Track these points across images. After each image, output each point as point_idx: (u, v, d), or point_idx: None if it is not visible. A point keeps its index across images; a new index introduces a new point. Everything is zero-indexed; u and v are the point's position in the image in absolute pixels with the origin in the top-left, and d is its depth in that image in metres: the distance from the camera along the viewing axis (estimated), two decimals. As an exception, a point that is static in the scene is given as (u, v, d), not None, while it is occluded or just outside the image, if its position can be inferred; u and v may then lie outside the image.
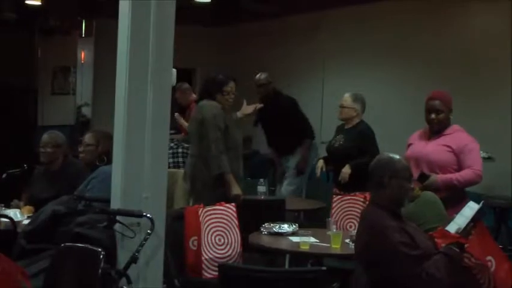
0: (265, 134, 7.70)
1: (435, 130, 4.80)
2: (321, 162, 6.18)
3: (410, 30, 8.38)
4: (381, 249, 3.30)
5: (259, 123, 7.68)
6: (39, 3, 8.38)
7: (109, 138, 4.36)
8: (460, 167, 4.64)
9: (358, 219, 4.80)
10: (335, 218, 5.09)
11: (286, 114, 7.29)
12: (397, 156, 3.59)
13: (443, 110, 4.77)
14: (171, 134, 6.68)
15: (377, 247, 3.32)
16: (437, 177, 4.56)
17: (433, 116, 4.77)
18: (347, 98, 6.01)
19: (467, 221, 3.45)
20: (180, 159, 6.64)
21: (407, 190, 3.51)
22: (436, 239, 3.47)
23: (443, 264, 3.27)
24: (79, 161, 5.21)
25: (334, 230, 4.52)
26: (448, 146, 4.69)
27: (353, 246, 4.05)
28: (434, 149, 4.71)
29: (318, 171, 6.08)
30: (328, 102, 9.14)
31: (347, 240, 4.31)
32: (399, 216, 3.47)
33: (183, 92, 7.70)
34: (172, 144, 6.63)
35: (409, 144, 4.93)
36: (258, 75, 7.53)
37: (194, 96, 7.94)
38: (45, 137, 5.19)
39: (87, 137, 4.76)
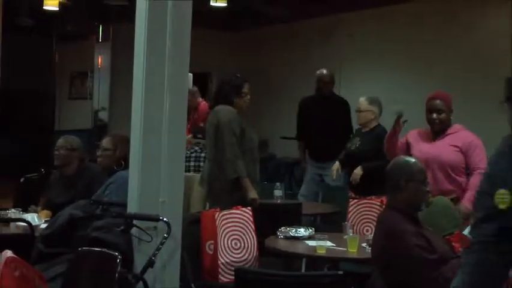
0: (307, 133, 7.35)
1: (437, 130, 4.80)
2: (336, 165, 6.16)
3: (428, 33, 8.35)
4: (398, 253, 3.29)
5: (304, 120, 7.37)
6: (56, 8, 8.42)
7: (127, 142, 4.37)
8: (466, 165, 4.65)
9: (375, 223, 4.82)
10: (351, 222, 5.08)
11: (339, 118, 7.12)
12: (413, 159, 3.59)
13: (445, 109, 4.78)
14: (197, 138, 6.76)
15: (394, 251, 3.31)
16: (465, 205, 4.52)
17: (434, 115, 4.77)
18: (363, 101, 6.00)
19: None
20: (202, 164, 6.66)
21: (424, 193, 3.50)
22: (453, 243, 3.46)
23: (461, 269, 3.25)
24: (95, 165, 5.23)
25: (351, 234, 4.50)
26: (455, 146, 4.71)
27: (370, 250, 4.04)
28: (444, 150, 4.71)
29: (334, 174, 6.05)
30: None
31: (364, 244, 4.29)
32: (416, 220, 3.45)
33: (190, 94, 7.71)
34: (196, 148, 6.68)
35: (407, 142, 4.89)
36: (320, 71, 7.25)
37: (200, 99, 7.99)
38: (60, 140, 5.22)
39: (105, 142, 4.77)
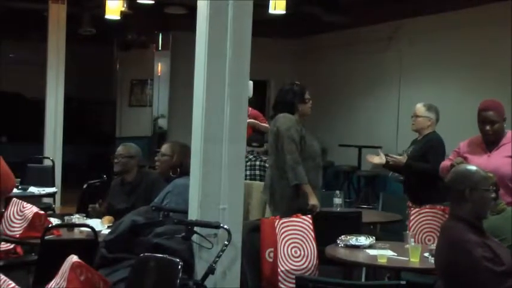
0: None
1: (491, 141, 4.69)
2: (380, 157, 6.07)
3: (488, 39, 8.19)
4: (463, 265, 3.22)
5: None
6: (118, 17, 8.59)
7: (185, 150, 4.43)
8: None
9: (438, 233, 4.74)
10: (413, 231, 5.00)
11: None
12: (475, 167, 3.51)
13: (498, 120, 4.68)
14: (253, 146, 6.78)
15: (459, 262, 3.23)
16: None
17: (488, 127, 4.68)
18: (420, 107, 5.90)
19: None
20: (257, 172, 6.67)
21: (489, 201, 3.41)
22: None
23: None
24: (154, 172, 5.31)
25: (413, 244, 4.43)
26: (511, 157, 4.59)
27: (432, 261, 3.96)
28: (502, 162, 4.59)
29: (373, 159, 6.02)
30: (405, 112, 9.00)
31: (426, 254, 4.22)
32: (481, 230, 3.37)
33: None
34: (251, 157, 6.68)
35: (464, 157, 4.78)
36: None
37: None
38: (119, 148, 5.35)
39: (164, 148, 4.84)
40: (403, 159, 5.82)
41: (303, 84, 5.55)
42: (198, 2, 3.95)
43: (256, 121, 7.42)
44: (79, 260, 3.11)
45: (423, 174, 5.67)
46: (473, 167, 3.52)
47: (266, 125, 7.34)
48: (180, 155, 4.64)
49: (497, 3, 8.02)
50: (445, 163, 4.94)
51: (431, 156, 5.65)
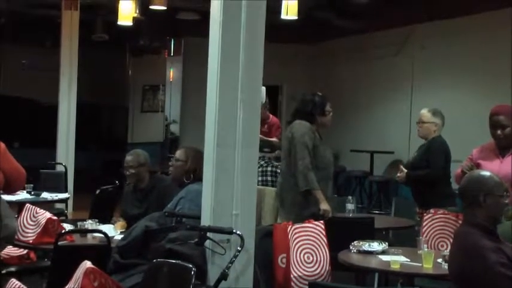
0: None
1: (503, 145, 4.68)
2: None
3: (500, 44, 8.16)
4: (477, 270, 3.20)
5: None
6: (130, 24, 8.63)
7: (199, 155, 4.42)
8: None
9: (451, 239, 4.71)
10: (426, 236, 4.98)
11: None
12: (488, 173, 3.50)
13: (509, 124, 4.66)
14: (264, 152, 6.77)
15: (473, 268, 3.22)
16: None
17: (499, 132, 4.67)
18: (425, 113, 5.89)
19: None
20: (269, 178, 6.67)
21: (503, 206, 3.40)
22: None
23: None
24: (166, 177, 5.31)
25: (426, 249, 4.41)
26: None
27: (446, 267, 3.94)
28: None
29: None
30: (417, 118, 8.99)
31: (439, 260, 4.20)
32: (495, 235, 3.35)
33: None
34: (262, 162, 6.68)
35: (477, 164, 4.78)
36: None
37: (267, 113, 7.93)
38: (127, 158, 5.29)
39: (178, 153, 4.84)
40: (403, 175, 5.86)
41: (325, 96, 5.57)
42: (211, 7, 3.95)
43: (263, 137, 7.37)
44: (93, 266, 3.11)
45: (423, 181, 5.74)
46: (486, 173, 3.51)
47: (274, 139, 7.29)
48: (194, 161, 4.64)
49: (509, 9, 7.99)
50: (458, 171, 4.94)
51: (431, 161, 5.66)
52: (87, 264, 3.10)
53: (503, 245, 3.33)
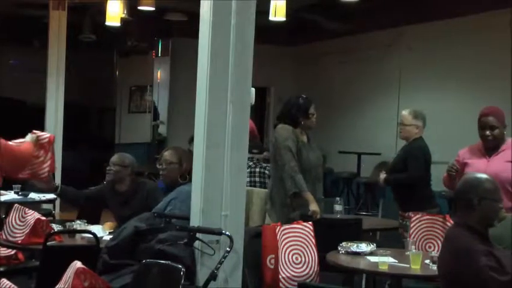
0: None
1: (490, 146, 4.72)
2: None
3: (488, 46, 8.22)
4: (468, 273, 3.20)
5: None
6: (118, 24, 8.61)
7: (190, 156, 4.43)
8: None
9: (438, 240, 4.75)
10: (413, 238, 5.00)
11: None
12: (484, 176, 3.49)
13: (498, 125, 4.71)
14: (253, 153, 6.78)
15: (462, 270, 3.22)
16: None
17: (487, 132, 4.71)
18: (407, 115, 5.81)
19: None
20: (257, 179, 6.69)
21: (497, 211, 3.40)
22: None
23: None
24: (150, 182, 5.30)
25: (414, 251, 4.44)
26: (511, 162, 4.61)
27: (434, 268, 3.97)
28: (502, 167, 4.61)
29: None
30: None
31: (427, 261, 4.23)
32: (487, 239, 3.36)
33: None
34: (251, 164, 6.69)
35: (464, 163, 4.83)
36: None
37: None
38: (114, 157, 5.29)
39: (169, 155, 4.83)
40: (382, 180, 5.88)
41: (309, 99, 5.57)
42: (201, 7, 3.96)
43: None
44: (83, 266, 3.11)
45: (402, 184, 5.75)
46: (483, 176, 3.49)
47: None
48: (188, 162, 4.62)
49: (497, 11, 8.05)
50: (445, 174, 4.98)
51: (409, 163, 5.66)
52: (78, 264, 3.11)
53: (494, 249, 3.33)
